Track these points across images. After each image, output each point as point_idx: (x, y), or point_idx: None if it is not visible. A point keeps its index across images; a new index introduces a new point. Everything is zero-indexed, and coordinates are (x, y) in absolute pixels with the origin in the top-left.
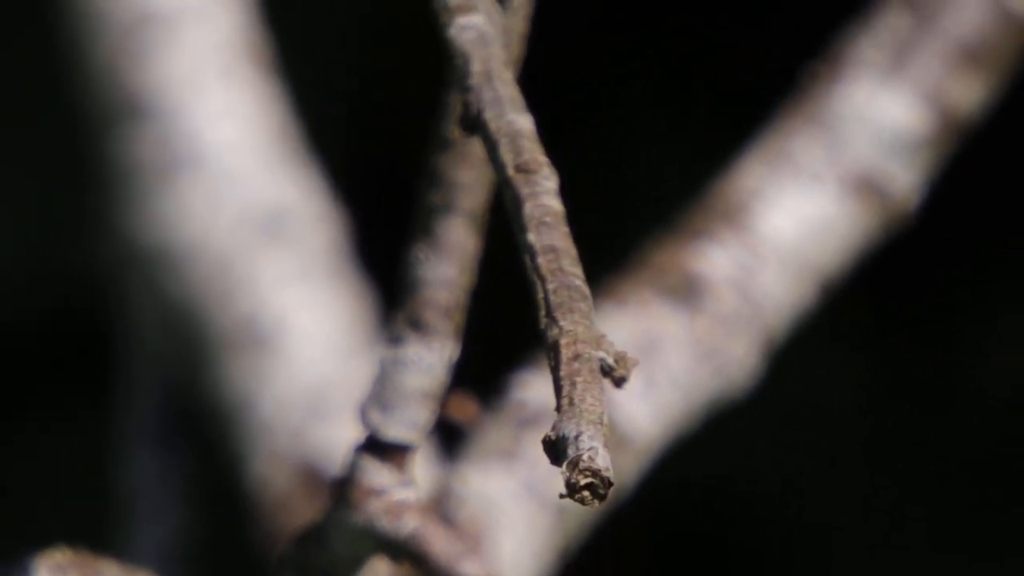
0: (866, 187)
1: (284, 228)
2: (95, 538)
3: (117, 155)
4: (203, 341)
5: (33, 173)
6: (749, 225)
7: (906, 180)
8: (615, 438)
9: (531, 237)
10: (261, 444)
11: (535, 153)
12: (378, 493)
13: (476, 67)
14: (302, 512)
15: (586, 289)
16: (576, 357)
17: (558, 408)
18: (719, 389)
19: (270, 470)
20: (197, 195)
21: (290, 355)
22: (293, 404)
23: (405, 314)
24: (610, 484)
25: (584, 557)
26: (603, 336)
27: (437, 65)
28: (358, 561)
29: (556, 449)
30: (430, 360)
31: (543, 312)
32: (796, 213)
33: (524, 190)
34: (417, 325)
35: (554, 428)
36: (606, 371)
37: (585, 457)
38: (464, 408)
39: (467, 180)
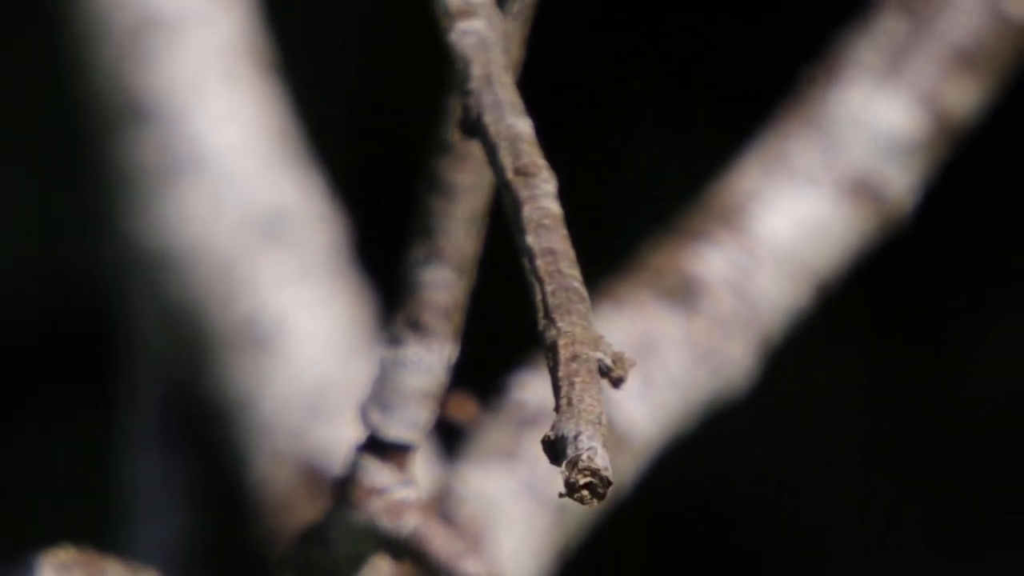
0: (862, 190)
1: (285, 230)
2: (97, 538)
3: (120, 157)
4: (204, 341)
5: (34, 173)
6: (746, 227)
7: (902, 183)
8: (613, 438)
9: (530, 239)
10: (262, 444)
11: (534, 156)
12: (379, 492)
13: (476, 71)
14: (303, 511)
15: (584, 291)
16: (574, 358)
17: (557, 408)
18: (716, 389)
19: (271, 469)
20: (199, 197)
21: (291, 355)
22: (294, 404)
23: (405, 315)
24: (609, 483)
25: (583, 556)
26: (601, 337)
27: (437, 68)
28: (359, 560)
29: (555, 449)
30: (430, 361)
31: (541, 313)
32: (792, 215)
33: (523, 193)
34: (417, 326)
35: (553, 428)
36: (604, 372)
37: (584, 457)
38: (464, 408)
39: (467, 183)
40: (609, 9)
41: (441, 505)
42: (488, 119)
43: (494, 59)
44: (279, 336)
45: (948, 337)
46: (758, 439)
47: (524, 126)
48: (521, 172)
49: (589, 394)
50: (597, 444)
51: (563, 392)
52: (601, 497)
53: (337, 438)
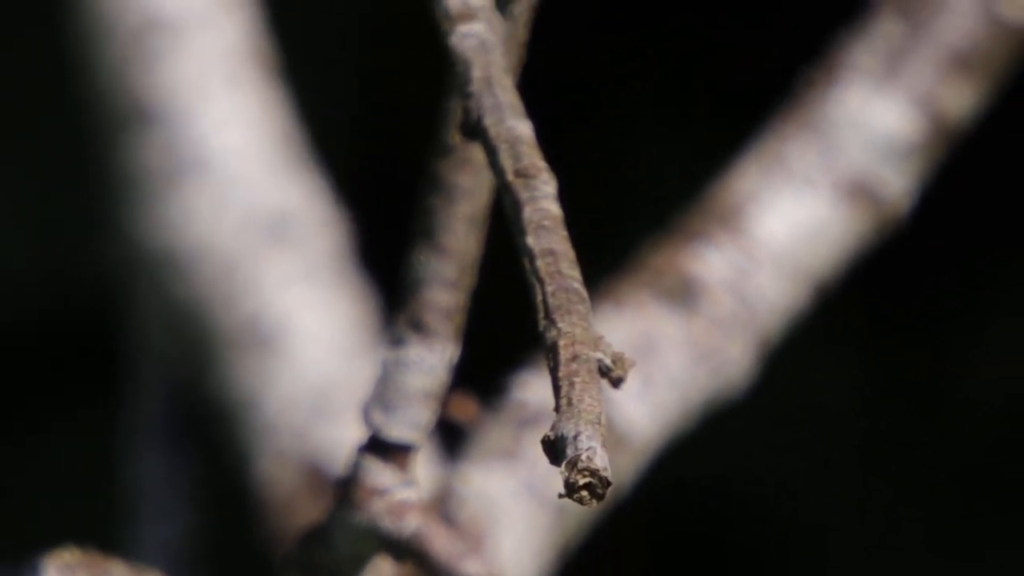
0: (859, 192)
1: (288, 231)
2: (101, 538)
3: (124, 159)
4: (208, 342)
5: (38, 174)
6: (744, 229)
7: (899, 185)
8: (613, 438)
9: (530, 240)
10: (266, 443)
11: (534, 158)
12: (381, 493)
13: (477, 74)
14: (306, 511)
15: (584, 291)
16: (574, 358)
17: (557, 408)
18: (715, 390)
19: (275, 469)
20: (203, 199)
21: (294, 356)
22: (297, 404)
23: (407, 316)
24: (608, 483)
25: (583, 555)
26: (601, 337)
27: (438, 71)
28: (361, 560)
29: (555, 449)
30: (431, 361)
31: (542, 314)
32: (791, 217)
33: (523, 194)
34: (419, 327)
35: (553, 428)
36: (604, 372)
37: (583, 457)
38: (465, 408)
39: (467, 184)
40: (609, 10)
41: (442, 505)
42: (488, 121)
43: (494, 62)
44: (282, 336)
45: (945, 338)
46: (756, 439)
47: (524, 128)
48: (521, 174)
49: (589, 394)
50: (596, 444)
51: (563, 392)
52: (600, 497)
53: (340, 438)
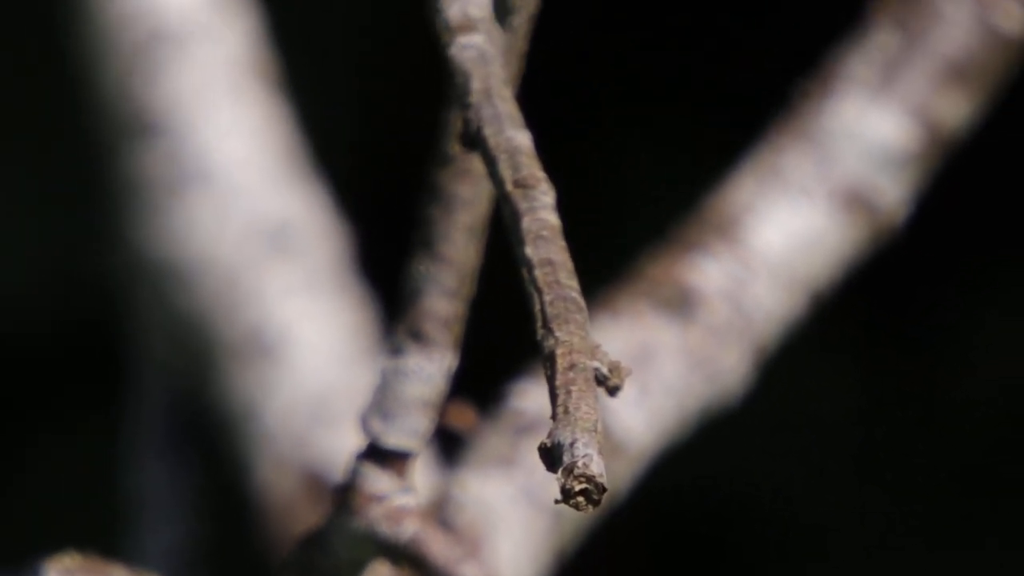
0: (855, 201)
1: (289, 241)
2: (104, 543)
3: (128, 170)
4: (210, 351)
5: (41, 185)
6: (741, 238)
7: (894, 194)
8: (610, 445)
9: (529, 250)
10: (266, 451)
11: (533, 169)
12: (379, 499)
13: (476, 85)
14: (305, 517)
15: (582, 301)
16: (571, 367)
17: (554, 416)
18: (712, 397)
19: (275, 476)
20: (205, 209)
21: (295, 365)
22: (297, 412)
23: (406, 325)
24: (604, 490)
25: (580, 560)
26: (598, 346)
27: (438, 82)
28: (360, 565)
29: (552, 456)
30: (430, 370)
31: (540, 323)
32: (787, 227)
33: (522, 205)
34: (417, 336)
35: (550, 436)
36: (600, 380)
37: (580, 464)
38: (463, 416)
39: (467, 195)
40: (607, 23)
41: (440, 511)
42: (488, 132)
43: (494, 73)
44: (283, 346)
45: (940, 346)
46: (753, 445)
47: (523, 139)
48: (520, 184)
49: (586, 402)
50: (593, 451)
51: (560, 400)
52: (596, 503)
53: (339, 446)
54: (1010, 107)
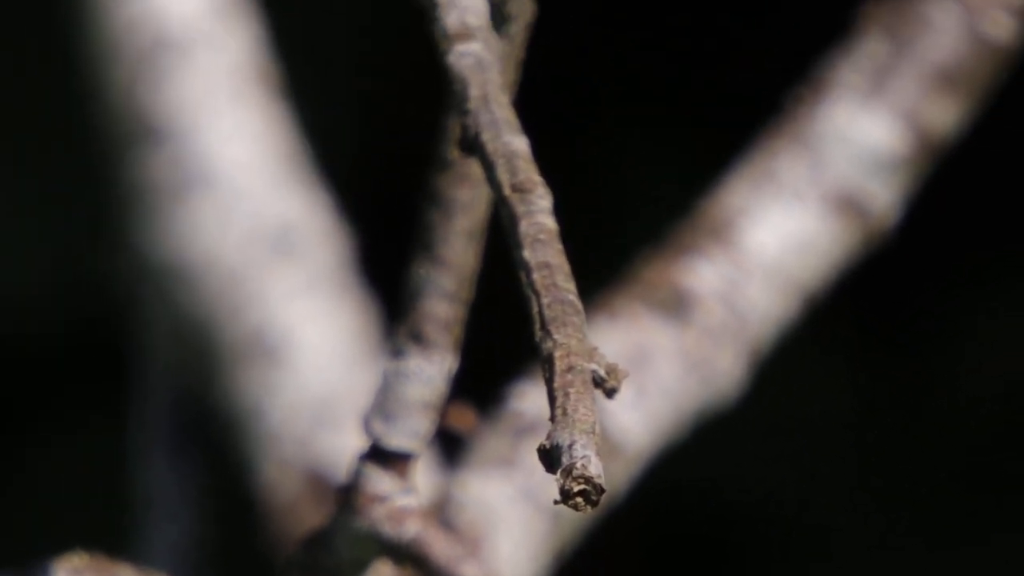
0: (847, 205)
1: (292, 244)
2: (111, 542)
3: (133, 175)
4: (214, 353)
5: (47, 189)
6: (735, 241)
7: (885, 198)
8: (607, 446)
9: (526, 254)
10: (270, 451)
11: (530, 173)
12: (381, 499)
13: (474, 91)
14: (309, 517)
15: (579, 304)
16: (569, 369)
17: (552, 418)
18: (707, 398)
19: (278, 476)
20: (209, 213)
21: (297, 366)
22: (300, 413)
23: (407, 328)
24: (602, 490)
25: (579, 559)
26: (595, 349)
27: (437, 89)
28: (362, 564)
29: (551, 457)
30: (431, 372)
31: (538, 326)
32: (780, 230)
33: (520, 209)
34: (418, 338)
35: (549, 437)
36: (598, 382)
37: (578, 465)
38: (463, 418)
39: (466, 199)
40: (603, 28)
41: (441, 511)
42: (486, 137)
43: (491, 80)
44: (286, 348)
45: (932, 348)
46: (748, 446)
47: (520, 144)
48: (518, 188)
49: (583, 404)
50: (591, 453)
51: (558, 402)
52: (595, 504)
53: (342, 446)
54: (1001, 112)
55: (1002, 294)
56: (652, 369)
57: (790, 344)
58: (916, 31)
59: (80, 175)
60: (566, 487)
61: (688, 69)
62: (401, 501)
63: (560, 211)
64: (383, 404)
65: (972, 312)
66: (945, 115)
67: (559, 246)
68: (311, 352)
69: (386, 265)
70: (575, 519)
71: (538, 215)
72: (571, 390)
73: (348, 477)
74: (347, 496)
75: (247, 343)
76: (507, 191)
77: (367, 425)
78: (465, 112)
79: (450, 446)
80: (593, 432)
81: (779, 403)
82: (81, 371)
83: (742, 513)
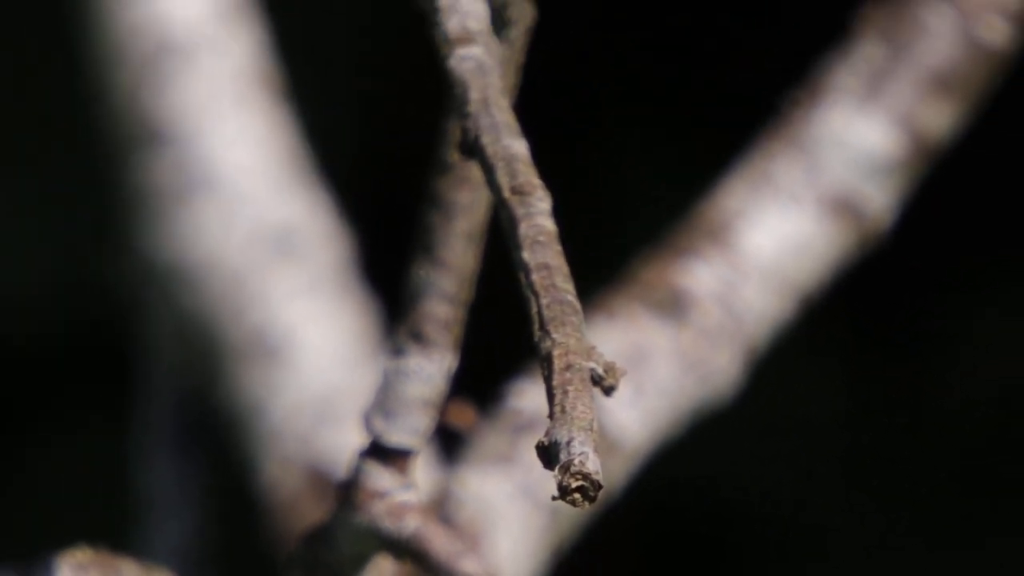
0: (843, 207)
1: (294, 246)
2: (115, 539)
3: (136, 178)
4: (217, 352)
5: (51, 191)
6: (732, 243)
7: (881, 201)
8: (605, 444)
9: (526, 255)
10: (272, 449)
11: (529, 176)
12: (381, 495)
13: (474, 95)
14: (310, 513)
15: (577, 304)
16: (568, 367)
17: (551, 415)
18: (703, 397)
19: (280, 473)
20: (211, 215)
21: (299, 365)
22: (302, 411)
23: (407, 327)
24: (600, 487)
25: (576, 555)
26: (593, 348)
27: (437, 92)
28: (363, 560)
29: (549, 454)
30: (430, 370)
31: (537, 325)
32: (776, 232)
33: (519, 211)
34: (418, 337)
35: (547, 434)
36: (596, 381)
37: (576, 462)
38: (463, 415)
39: (465, 201)
40: (600, 31)
41: (441, 507)
42: (485, 140)
43: (491, 83)
44: (288, 347)
45: (927, 349)
46: (743, 445)
47: (520, 147)
48: (517, 191)
49: (582, 402)
50: (589, 450)
51: (557, 400)
52: (592, 500)
53: (343, 444)
54: (996, 116)
55: (997, 297)
56: (649, 368)
57: (786, 345)
58: (912, 35)
59: (82, 176)
60: (564, 483)
61: (687, 71)
62: (401, 497)
63: (559, 213)
64: (383, 402)
65: (967, 315)
66: (940, 119)
67: (558, 247)
68: (312, 351)
69: (386, 266)
70: (573, 515)
71: (537, 217)
72: (569, 388)
73: (349, 473)
74: (348, 492)
75: (249, 343)
76: (507, 194)
77: (368, 422)
78: (465, 116)
79: (449, 443)
80: (591, 429)
81: (775, 403)
82: (81, 372)
83: (738, 511)
